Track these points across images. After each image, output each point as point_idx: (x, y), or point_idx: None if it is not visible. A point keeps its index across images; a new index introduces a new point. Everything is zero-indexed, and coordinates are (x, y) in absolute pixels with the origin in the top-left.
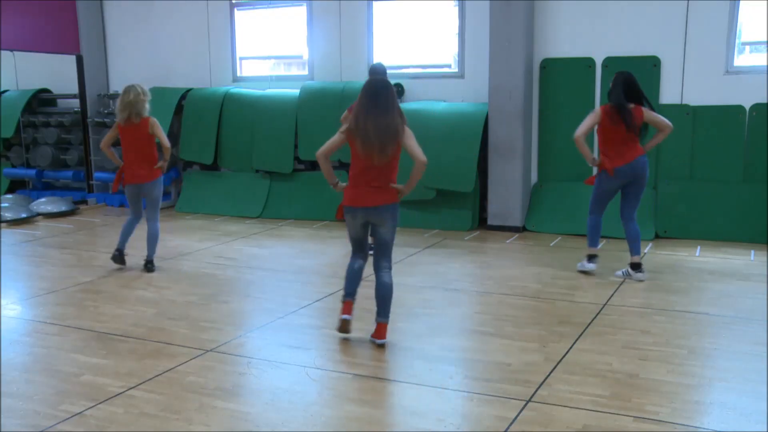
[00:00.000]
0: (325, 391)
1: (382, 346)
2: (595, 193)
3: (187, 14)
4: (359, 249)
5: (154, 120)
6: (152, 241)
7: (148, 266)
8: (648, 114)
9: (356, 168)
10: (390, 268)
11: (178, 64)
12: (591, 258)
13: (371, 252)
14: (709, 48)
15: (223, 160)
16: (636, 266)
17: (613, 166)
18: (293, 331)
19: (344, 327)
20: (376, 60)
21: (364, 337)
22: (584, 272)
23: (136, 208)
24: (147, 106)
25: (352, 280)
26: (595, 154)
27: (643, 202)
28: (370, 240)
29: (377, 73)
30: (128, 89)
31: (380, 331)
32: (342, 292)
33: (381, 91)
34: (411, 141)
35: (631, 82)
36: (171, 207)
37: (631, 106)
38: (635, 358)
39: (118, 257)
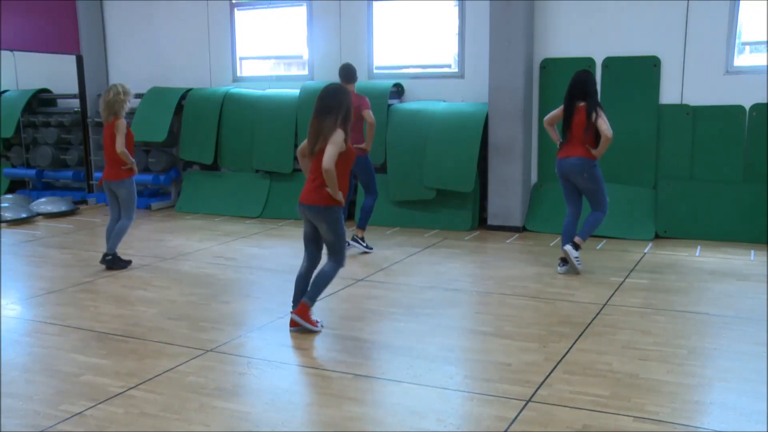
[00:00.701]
0: (326, 391)
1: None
2: None
3: (187, 14)
4: (306, 247)
5: (120, 122)
6: (116, 235)
7: (106, 259)
8: (597, 119)
9: (311, 165)
10: (334, 263)
11: (178, 64)
12: (560, 261)
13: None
14: (709, 48)
15: (223, 160)
16: (574, 245)
17: (557, 156)
18: (293, 331)
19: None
20: (375, 60)
21: (364, 337)
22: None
23: (111, 207)
24: (126, 105)
25: (296, 288)
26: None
27: (643, 202)
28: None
29: (344, 72)
30: (109, 89)
31: (299, 307)
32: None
33: (324, 95)
34: (330, 146)
35: (576, 81)
36: (171, 207)
37: (581, 104)
38: (635, 358)
39: (110, 261)
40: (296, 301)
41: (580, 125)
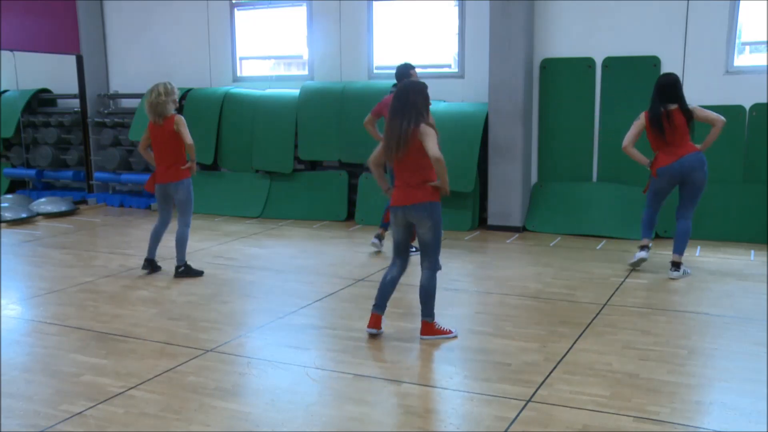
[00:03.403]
0: (326, 391)
1: (429, 345)
2: (649, 192)
3: (187, 14)
4: (397, 254)
5: (179, 117)
6: (179, 244)
7: (179, 271)
8: (699, 112)
9: (395, 169)
10: (431, 269)
11: (178, 64)
12: (641, 247)
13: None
14: (709, 48)
15: (223, 160)
16: (674, 264)
17: (657, 166)
18: (293, 331)
19: (373, 336)
20: (375, 60)
21: (364, 337)
22: (635, 263)
23: (161, 210)
24: (172, 103)
25: (382, 290)
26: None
27: (644, 202)
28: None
29: (399, 74)
30: (150, 90)
31: (423, 327)
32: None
33: (398, 95)
34: (425, 138)
35: (664, 85)
36: None
37: (673, 107)
38: (635, 358)
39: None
40: (381, 304)
41: (684, 125)
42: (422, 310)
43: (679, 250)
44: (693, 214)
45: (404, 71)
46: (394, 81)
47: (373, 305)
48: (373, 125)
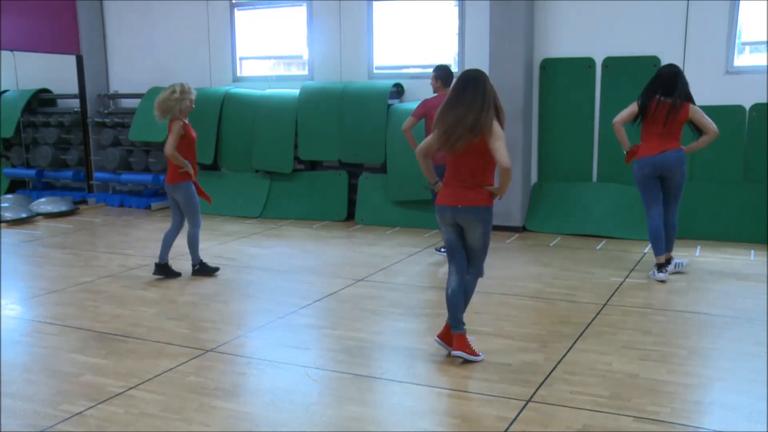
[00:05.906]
0: (325, 391)
1: (458, 358)
2: (641, 195)
3: (187, 14)
4: (452, 258)
5: (174, 123)
6: (191, 246)
7: (195, 269)
8: (697, 114)
9: (449, 166)
10: (475, 275)
11: (178, 65)
12: (659, 267)
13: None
14: (709, 48)
15: (223, 160)
16: (659, 266)
17: (638, 156)
18: (293, 331)
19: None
20: (375, 60)
21: (364, 337)
22: (660, 281)
23: (172, 212)
24: (181, 105)
25: (453, 306)
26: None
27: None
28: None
29: (447, 74)
30: (167, 88)
31: (457, 341)
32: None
33: (471, 82)
34: (498, 142)
35: (661, 75)
36: None
37: (667, 100)
38: (635, 358)
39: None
40: (454, 324)
41: (674, 121)
42: (452, 318)
43: (658, 251)
44: (677, 211)
45: (450, 71)
46: (395, 81)
47: (451, 326)
48: (412, 130)
